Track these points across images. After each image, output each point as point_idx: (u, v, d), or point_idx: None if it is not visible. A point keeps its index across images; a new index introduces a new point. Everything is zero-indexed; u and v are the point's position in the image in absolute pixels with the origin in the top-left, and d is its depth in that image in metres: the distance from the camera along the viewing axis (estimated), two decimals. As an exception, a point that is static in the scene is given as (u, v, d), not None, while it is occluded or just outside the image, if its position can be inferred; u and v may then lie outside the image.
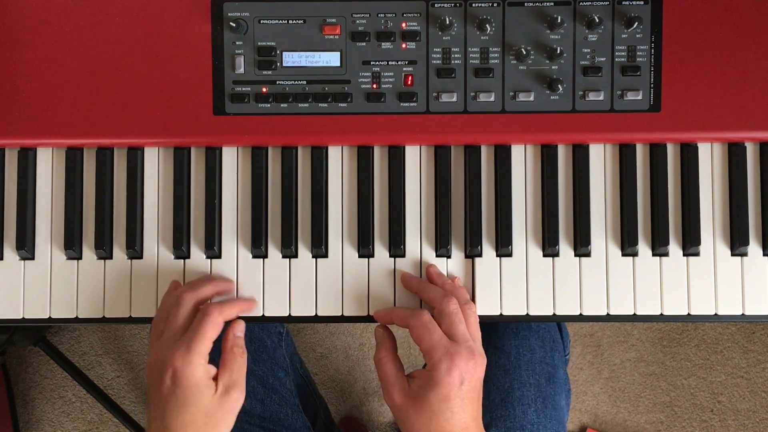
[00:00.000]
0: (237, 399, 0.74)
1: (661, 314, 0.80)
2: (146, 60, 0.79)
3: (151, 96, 0.79)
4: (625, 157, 0.81)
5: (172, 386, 0.71)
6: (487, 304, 0.80)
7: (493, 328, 0.96)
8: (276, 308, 0.81)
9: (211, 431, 0.72)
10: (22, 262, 0.82)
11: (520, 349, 0.94)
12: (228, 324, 0.77)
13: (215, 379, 0.73)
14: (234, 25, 0.78)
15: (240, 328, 0.77)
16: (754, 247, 0.80)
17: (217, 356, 0.76)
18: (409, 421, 0.73)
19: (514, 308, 0.80)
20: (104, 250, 0.81)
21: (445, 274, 0.81)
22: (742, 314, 0.80)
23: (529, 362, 0.93)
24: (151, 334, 0.77)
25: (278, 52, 0.79)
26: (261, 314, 0.81)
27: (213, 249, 0.81)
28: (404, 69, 0.79)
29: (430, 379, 0.72)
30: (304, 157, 0.82)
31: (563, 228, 0.81)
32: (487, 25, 0.78)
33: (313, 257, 0.81)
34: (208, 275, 0.81)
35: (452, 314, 0.74)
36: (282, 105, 0.79)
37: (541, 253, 0.81)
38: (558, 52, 0.78)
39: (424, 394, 0.72)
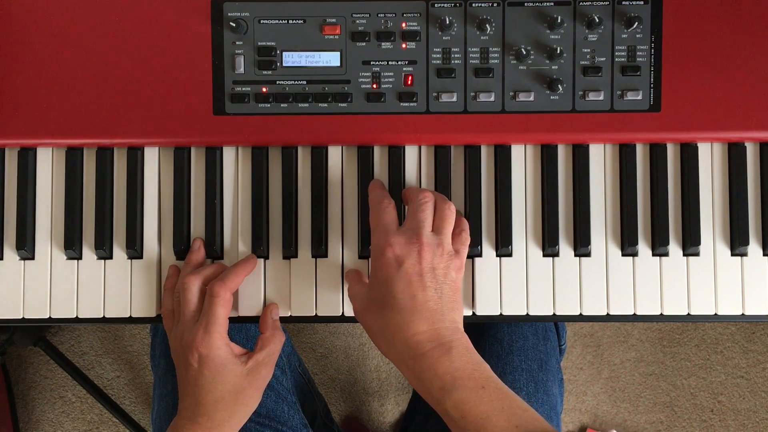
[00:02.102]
0: (266, 376, 0.77)
1: (661, 314, 0.80)
2: (146, 60, 0.79)
3: (151, 96, 0.79)
4: (625, 157, 0.81)
5: (199, 368, 0.73)
6: (487, 304, 0.80)
7: None
8: (276, 308, 0.81)
9: (242, 407, 0.75)
10: (22, 262, 0.82)
11: (513, 336, 0.94)
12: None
13: (241, 354, 0.76)
14: (234, 25, 0.78)
15: (276, 312, 0.80)
16: (754, 247, 0.80)
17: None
18: (368, 325, 0.72)
19: (514, 308, 0.80)
20: (104, 250, 0.81)
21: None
22: (742, 314, 0.80)
23: (522, 349, 0.93)
24: (165, 325, 0.79)
25: (278, 52, 0.79)
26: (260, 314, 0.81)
27: (214, 248, 0.81)
28: (404, 69, 0.79)
29: (371, 267, 0.72)
30: (304, 157, 0.82)
31: (563, 228, 0.81)
32: (487, 25, 0.78)
33: (313, 257, 0.81)
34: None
35: (419, 203, 0.73)
36: (282, 105, 0.79)
37: (541, 253, 0.81)
38: (558, 52, 0.78)
39: (370, 287, 0.72)
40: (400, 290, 0.69)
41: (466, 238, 0.76)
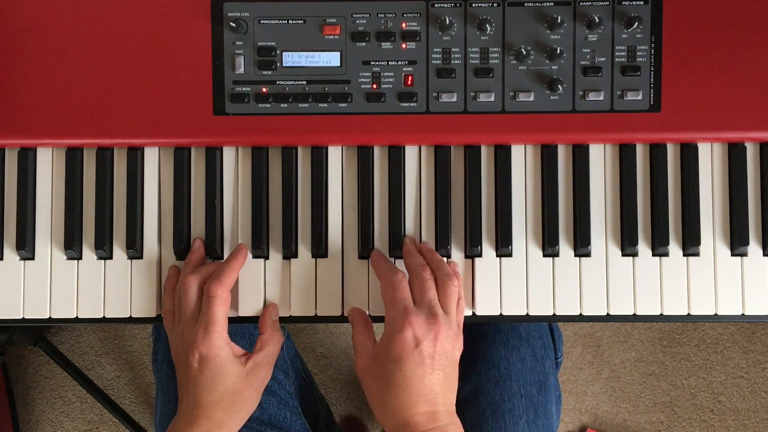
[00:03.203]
0: (265, 377, 0.77)
1: (661, 314, 0.80)
2: (146, 60, 0.79)
3: (151, 96, 0.79)
4: (625, 157, 0.81)
5: (199, 367, 0.73)
6: (487, 304, 0.80)
7: (482, 339, 0.95)
8: (276, 308, 0.81)
9: (240, 407, 0.75)
10: (22, 262, 0.82)
11: (511, 359, 0.92)
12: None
13: (241, 355, 0.76)
14: (234, 25, 0.78)
15: (275, 312, 0.80)
16: (754, 247, 0.80)
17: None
18: (369, 389, 0.73)
19: (513, 308, 0.80)
20: (104, 250, 0.81)
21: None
22: (742, 314, 0.80)
23: (520, 372, 0.92)
24: (165, 325, 0.79)
25: (278, 52, 0.79)
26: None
27: (214, 249, 0.81)
28: (404, 69, 0.79)
29: (384, 336, 0.72)
30: (304, 157, 0.82)
31: (563, 228, 0.81)
32: (487, 25, 0.78)
33: (313, 257, 0.81)
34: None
35: (424, 280, 0.74)
36: (282, 105, 0.79)
37: (541, 253, 0.81)
38: (558, 52, 0.78)
39: (379, 355, 0.72)
40: (411, 370, 0.70)
41: (463, 306, 0.78)
